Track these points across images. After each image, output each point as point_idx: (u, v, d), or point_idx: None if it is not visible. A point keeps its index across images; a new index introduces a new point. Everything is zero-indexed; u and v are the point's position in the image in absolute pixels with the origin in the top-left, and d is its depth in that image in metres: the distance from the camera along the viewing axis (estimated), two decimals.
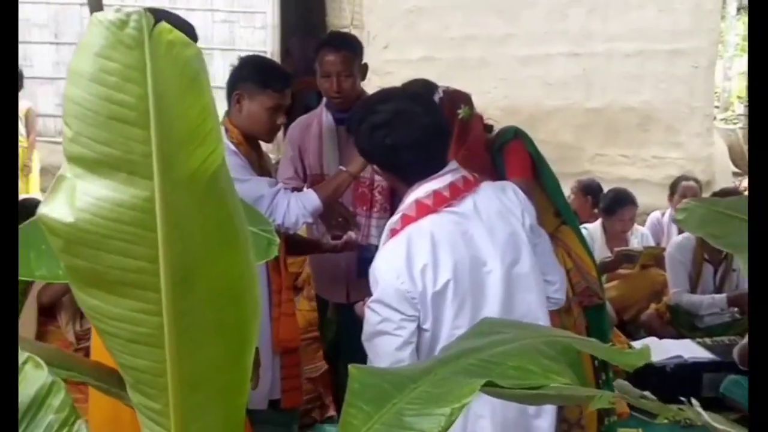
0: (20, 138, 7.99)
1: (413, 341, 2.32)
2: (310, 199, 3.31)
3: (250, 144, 3.34)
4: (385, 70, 7.88)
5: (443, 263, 2.30)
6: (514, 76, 8.52)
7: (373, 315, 2.32)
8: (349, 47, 3.78)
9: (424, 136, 2.36)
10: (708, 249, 5.40)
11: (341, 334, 4.01)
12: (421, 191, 2.38)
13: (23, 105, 8.09)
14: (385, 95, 2.54)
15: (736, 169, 10.24)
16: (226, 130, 3.29)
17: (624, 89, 8.36)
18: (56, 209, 1.11)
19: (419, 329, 2.34)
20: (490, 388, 1.46)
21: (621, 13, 8.25)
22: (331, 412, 4.27)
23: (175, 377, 1.15)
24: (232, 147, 3.24)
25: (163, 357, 1.14)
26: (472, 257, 2.35)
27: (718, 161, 8.83)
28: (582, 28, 8.32)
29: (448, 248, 2.31)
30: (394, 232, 2.38)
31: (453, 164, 2.44)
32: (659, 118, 8.31)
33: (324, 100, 3.91)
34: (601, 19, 8.31)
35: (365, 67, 3.84)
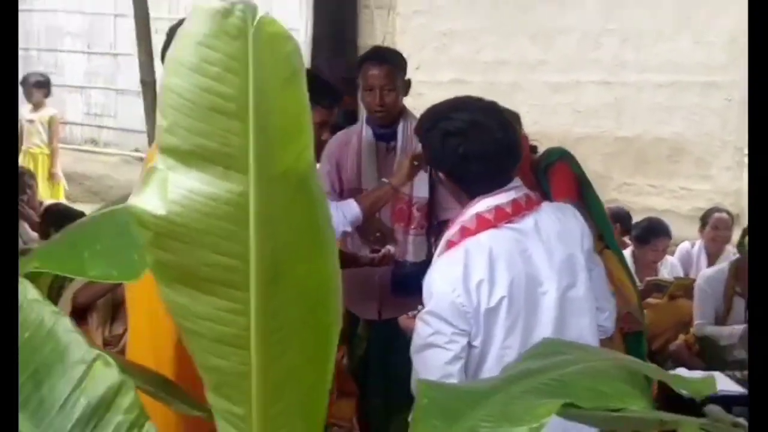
0: (42, 145, 8.05)
1: (463, 356, 2.27)
2: (351, 208, 3.28)
3: None
4: (416, 92, 7.83)
5: (500, 280, 2.25)
6: (545, 102, 8.48)
7: (424, 327, 2.27)
8: (393, 62, 3.75)
9: (496, 150, 2.33)
10: (741, 282, 5.32)
11: (371, 352, 3.95)
12: (482, 205, 2.33)
13: (48, 112, 8.14)
14: (460, 104, 2.49)
15: None
16: None
17: (655, 120, 8.31)
18: (147, 200, 1.08)
19: (469, 345, 2.29)
20: (568, 409, 1.41)
21: (654, 43, 8.21)
22: None
23: (260, 381, 1.11)
24: None
25: (248, 359, 1.10)
26: (528, 276, 2.30)
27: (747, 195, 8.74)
28: (615, 57, 8.29)
29: (505, 265, 2.27)
30: (451, 244, 2.34)
31: (517, 181, 2.40)
32: (690, 150, 8.25)
33: (364, 115, 3.88)
34: (634, 49, 8.28)
35: (408, 83, 3.81)
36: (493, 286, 2.25)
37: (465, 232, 2.32)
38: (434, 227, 3.83)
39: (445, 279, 2.27)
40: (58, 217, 4.95)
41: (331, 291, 1.18)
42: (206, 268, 1.09)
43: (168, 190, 1.07)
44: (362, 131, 3.85)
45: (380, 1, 9.25)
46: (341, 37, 9.05)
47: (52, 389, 1.25)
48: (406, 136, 3.80)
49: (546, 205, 2.43)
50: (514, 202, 2.34)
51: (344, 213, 3.26)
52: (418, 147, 3.84)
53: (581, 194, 3.35)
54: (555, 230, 2.37)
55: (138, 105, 10.44)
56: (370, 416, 3.99)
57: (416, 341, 2.35)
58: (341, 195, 3.88)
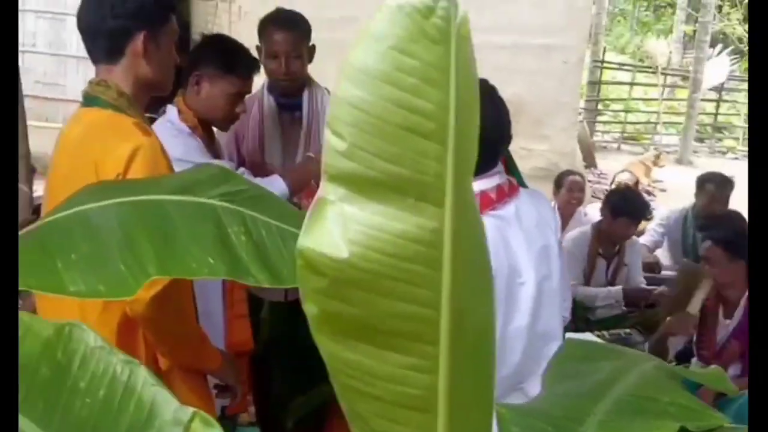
0: None
1: None
2: (277, 186, 3.05)
3: (203, 128, 3.05)
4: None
5: None
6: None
7: None
8: (299, 27, 3.51)
9: (491, 131, 2.20)
10: (603, 243, 5.50)
11: (274, 335, 3.75)
12: (484, 184, 2.23)
13: None
14: None
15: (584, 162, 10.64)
16: (179, 112, 2.98)
17: (496, 80, 8.41)
18: (323, 242, 0.87)
19: None
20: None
21: (495, 5, 8.30)
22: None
23: None
24: (187, 129, 2.95)
25: (434, 424, 0.92)
26: (509, 266, 2.21)
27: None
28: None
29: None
30: None
31: (500, 166, 2.28)
32: (529, 111, 8.44)
33: (266, 82, 3.62)
34: (476, 10, 8.32)
35: (313, 49, 3.59)
36: None
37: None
38: None
39: None
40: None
41: (493, 340, 1.02)
42: (390, 319, 0.90)
43: (348, 228, 0.87)
44: (264, 100, 3.59)
45: None
46: None
47: None
48: (312, 107, 3.59)
49: (523, 192, 2.34)
50: (498, 188, 2.23)
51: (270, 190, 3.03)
52: (326, 121, 3.66)
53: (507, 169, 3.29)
54: (534, 218, 2.29)
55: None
56: (272, 400, 3.81)
57: None
58: (238, 168, 3.63)
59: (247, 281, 1.60)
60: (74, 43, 9.12)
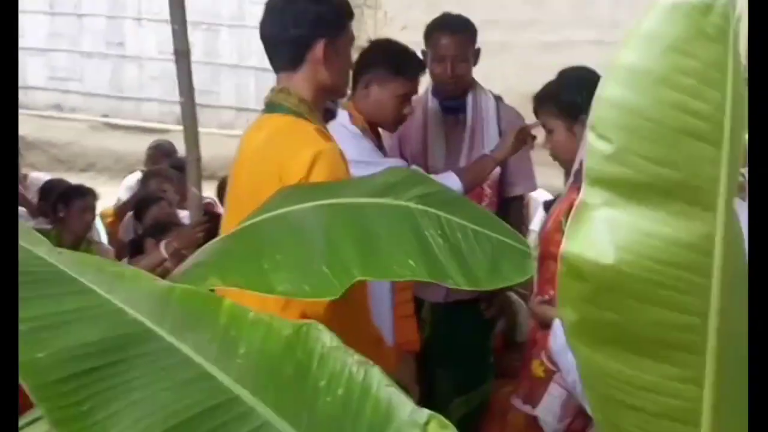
0: None
1: None
2: (452, 182, 3.04)
3: (372, 130, 3.09)
4: None
5: None
6: (536, 62, 8.31)
7: None
8: (465, 30, 3.51)
9: None
10: None
11: (434, 336, 3.75)
12: None
13: None
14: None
15: None
16: (350, 116, 3.03)
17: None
18: (588, 246, 0.85)
19: None
20: None
21: (647, 2, 8.07)
22: None
23: None
24: (359, 131, 3.00)
25: None
26: None
27: None
28: (608, 15, 8.14)
29: None
30: None
31: None
32: None
33: (430, 86, 3.63)
34: (627, 7, 8.13)
35: (478, 52, 3.58)
36: None
37: None
38: (502, 203, 3.63)
39: None
40: (65, 194, 4.62)
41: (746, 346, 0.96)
42: (655, 327, 0.87)
43: (615, 233, 0.84)
44: (428, 103, 3.60)
45: None
46: None
47: None
48: (476, 109, 3.58)
49: None
50: None
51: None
52: (490, 121, 3.63)
53: None
54: None
55: (104, 68, 9.98)
56: (432, 400, 3.81)
57: (560, 341, 2.15)
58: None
59: (446, 283, 1.59)
60: (227, 52, 9.43)
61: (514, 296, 3.91)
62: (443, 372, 3.73)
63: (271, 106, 2.33)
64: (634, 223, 0.85)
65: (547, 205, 5.40)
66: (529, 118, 3.65)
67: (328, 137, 2.28)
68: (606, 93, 0.84)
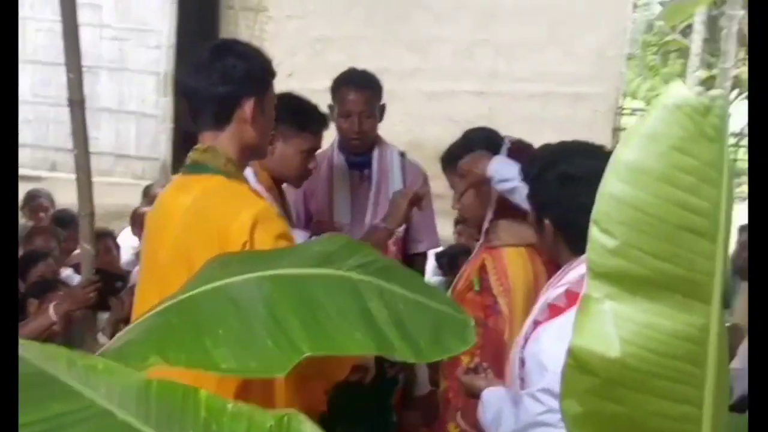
0: None
1: None
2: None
3: (277, 188, 3.06)
4: None
5: None
6: (421, 111, 8.48)
7: (535, 404, 2.02)
8: (372, 87, 3.54)
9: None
10: None
11: (338, 395, 3.72)
12: (578, 272, 2.08)
13: None
14: (581, 147, 2.28)
15: None
16: (255, 174, 2.99)
17: (527, 129, 8.42)
18: (595, 340, 0.86)
19: None
20: None
21: (527, 54, 8.38)
22: None
23: None
24: (264, 190, 2.96)
25: None
26: None
27: None
28: (488, 67, 8.40)
29: None
30: (556, 310, 2.10)
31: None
32: None
33: (336, 141, 3.63)
34: (506, 60, 8.42)
35: (383, 108, 3.61)
36: None
37: (573, 297, 2.05)
38: (405, 260, 3.64)
39: (562, 351, 2.06)
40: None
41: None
42: (655, 418, 0.89)
43: (620, 326, 0.86)
44: (333, 158, 3.60)
45: (246, 2, 8.92)
46: (206, 42, 8.64)
47: None
48: (381, 164, 3.60)
49: None
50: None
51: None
52: (395, 176, 3.65)
53: None
54: None
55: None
56: None
57: (523, 418, 2.10)
58: (307, 226, 3.63)
59: (392, 357, 1.58)
60: (106, 95, 9.19)
61: None
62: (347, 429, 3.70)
63: (196, 166, 2.25)
64: (638, 317, 0.87)
65: (438, 257, 5.48)
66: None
67: (262, 197, 2.24)
68: (608, 189, 0.87)
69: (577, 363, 0.87)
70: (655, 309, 0.87)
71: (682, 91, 0.85)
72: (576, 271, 2.09)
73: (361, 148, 3.51)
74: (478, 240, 3.08)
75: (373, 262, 1.80)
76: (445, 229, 3.84)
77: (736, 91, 19.91)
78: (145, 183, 7.36)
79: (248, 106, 2.22)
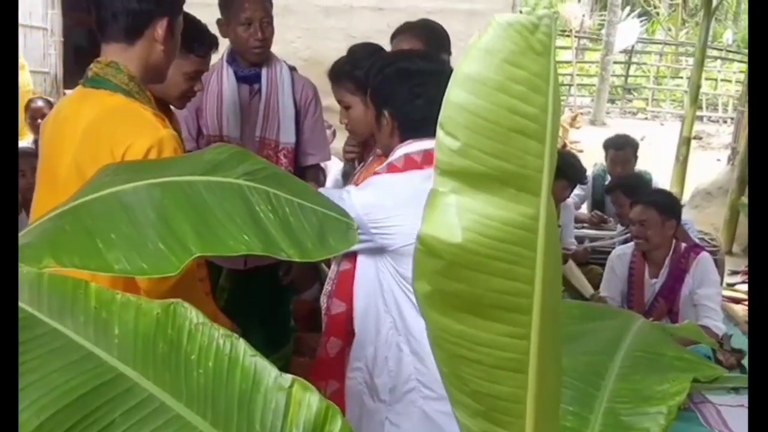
0: None
1: None
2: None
3: (161, 107, 3.09)
4: None
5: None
6: (318, 26, 8.46)
7: None
8: None
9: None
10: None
11: (232, 302, 3.84)
12: (413, 147, 2.44)
13: None
14: (422, 53, 2.67)
15: None
16: None
17: None
18: (440, 228, 1.00)
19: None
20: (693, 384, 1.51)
21: None
22: None
23: (533, 404, 1.09)
24: None
25: (524, 382, 1.07)
26: None
27: None
28: None
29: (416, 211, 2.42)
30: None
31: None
32: None
33: (226, 53, 3.67)
34: None
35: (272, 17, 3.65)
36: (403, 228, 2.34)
37: (393, 170, 2.43)
38: (298, 172, 3.75)
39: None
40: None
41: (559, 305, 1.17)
42: (494, 294, 1.04)
43: (462, 216, 1.00)
44: (223, 73, 3.64)
45: None
46: None
47: (260, 422, 1.14)
48: (270, 80, 3.65)
49: None
50: (426, 152, 2.46)
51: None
52: (285, 91, 3.71)
53: None
54: None
55: None
56: None
57: None
58: (197, 142, 3.68)
59: (279, 256, 1.70)
60: None
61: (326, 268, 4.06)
62: (243, 337, 3.83)
63: (96, 80, 2.25)
64: (477, 208, 1.01)
65: (345, 174, 5.62)
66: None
67: (165, 122, 2.26)
68: (452, 97, 0.99)
69: (426, 248, 1.01)
70: (493, 201, 1.01)
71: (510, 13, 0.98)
72: (399, 150, 2.49)
73: (263, 57, 3.55)
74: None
75: (261, 170, 1.91)
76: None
77: (627, 9, 20.41)
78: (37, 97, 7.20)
79: (161, 26, 2.24)
